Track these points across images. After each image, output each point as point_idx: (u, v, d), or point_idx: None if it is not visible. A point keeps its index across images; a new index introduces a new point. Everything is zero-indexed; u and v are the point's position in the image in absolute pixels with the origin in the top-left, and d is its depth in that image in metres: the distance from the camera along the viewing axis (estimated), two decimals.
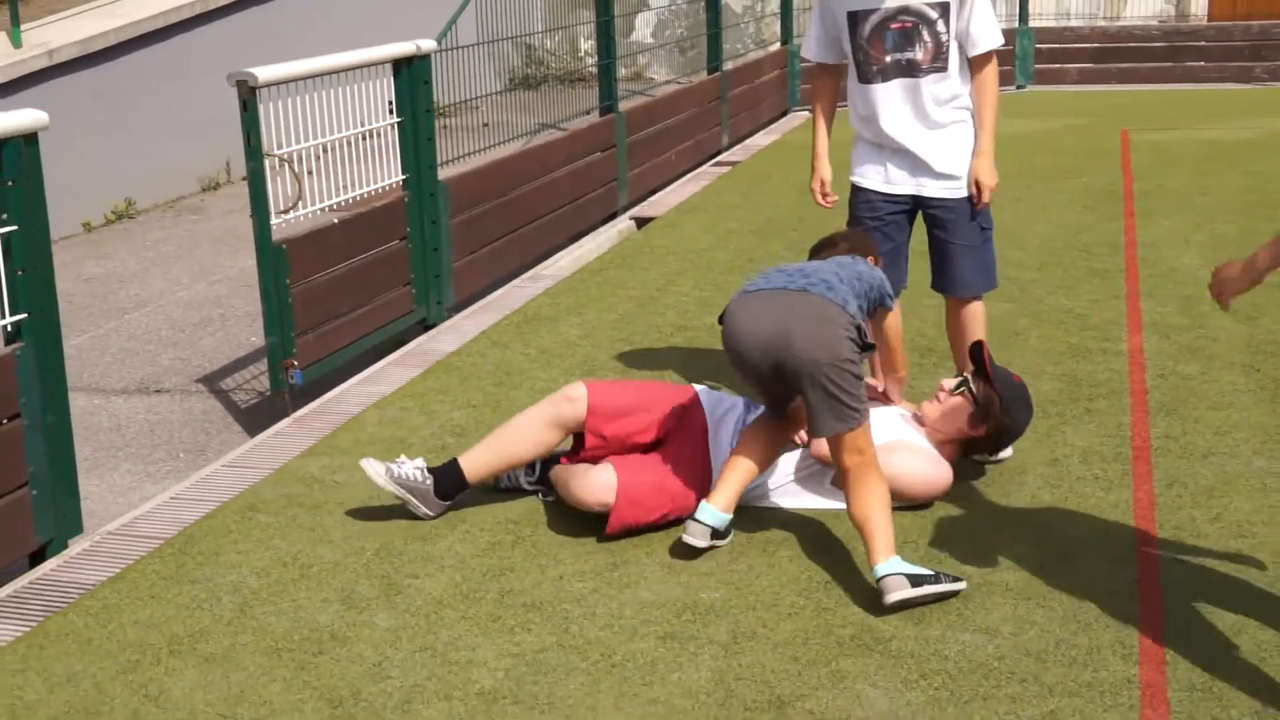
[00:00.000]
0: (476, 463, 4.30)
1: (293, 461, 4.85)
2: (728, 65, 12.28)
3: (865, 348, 3.86)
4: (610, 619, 3.64)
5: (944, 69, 4.65)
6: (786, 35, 14.23)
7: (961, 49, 4.67)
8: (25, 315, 4.12)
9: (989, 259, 4.85)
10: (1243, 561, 3.85)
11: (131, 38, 10.85)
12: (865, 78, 4.73)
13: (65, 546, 4.26)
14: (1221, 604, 3.61)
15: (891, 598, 3.59)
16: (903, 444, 4.24)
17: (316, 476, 4.70)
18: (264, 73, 5.35)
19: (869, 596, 3.70)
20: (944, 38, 4.62)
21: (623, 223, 8.84)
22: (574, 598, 3.77)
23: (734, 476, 4.04)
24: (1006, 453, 4.59)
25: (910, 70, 4.66)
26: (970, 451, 4.45)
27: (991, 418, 4.32)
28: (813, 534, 4.12)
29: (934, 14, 4.60)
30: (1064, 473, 4.51)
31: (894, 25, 4.62)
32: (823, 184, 4.96)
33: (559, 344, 6.12)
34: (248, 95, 5.33)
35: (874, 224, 4.79)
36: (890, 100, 4.70)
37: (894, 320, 4.32)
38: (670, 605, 3.71)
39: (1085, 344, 5.82)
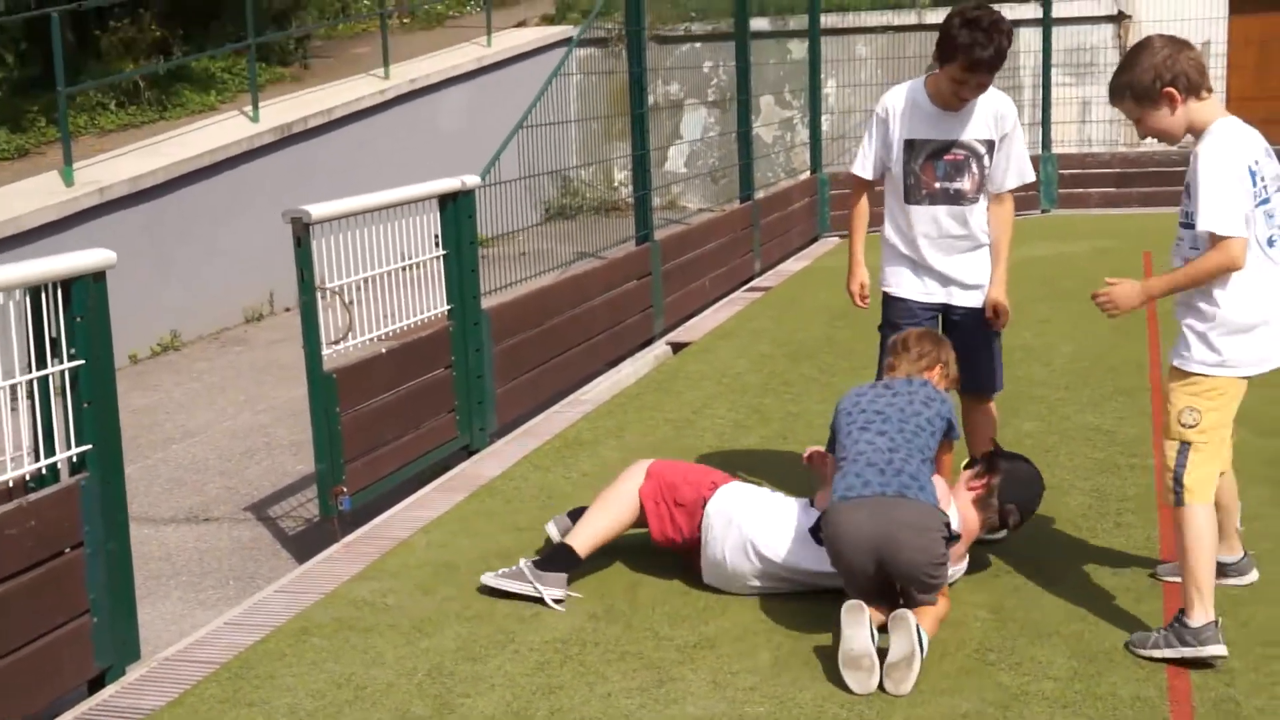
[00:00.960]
0: (580, 537, 4.83)
1: (343, 586, 4.98)
2: (759, 194, 12.56)
3: (952, 539, 4.27)
4: None
5: (978, 199, 5.09)
6: (816, 164, 14.54)
7: (989, 180, 5.09)
8: (90, 446, 4.30)
9: (1000, 362, 5.29)
10: (1269, 668, 3.94)
11: (179, 175, 11.23)
12: (912, 199, 5.11)
13: (124, 673, 4.39)
14: (1249, 707, 3.71)
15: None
16: None
17: (367, 600, 4.83)
18: (318, 210, 5.59)
19: (910, 708, 3.80)
20: (987, 171, 5.06)
21: (659, 348, 9.02)
22: (623, 713, 3.87)
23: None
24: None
25: (957, 199, 5.07)
26: (984, 523, 4.65)
27: (995, 470, 4.60)
28: None
29: (983, 149, 5.04)
30: (1095, 585, 4.61)
31: (947, 156, 5.03)
32: (862, 287, 5.39)
33: (600, 467, 6.27)
34: (301, 232, 5.55)
35: (911, 326, 5.13)
36: (933, 222, 5.11)
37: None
38: None
39: (1113, 459, 5.94)
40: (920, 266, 5.18)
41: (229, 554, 6.26)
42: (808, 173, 14.70)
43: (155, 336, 10.79)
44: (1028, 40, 16.49)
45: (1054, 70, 15.58)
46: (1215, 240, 3.99)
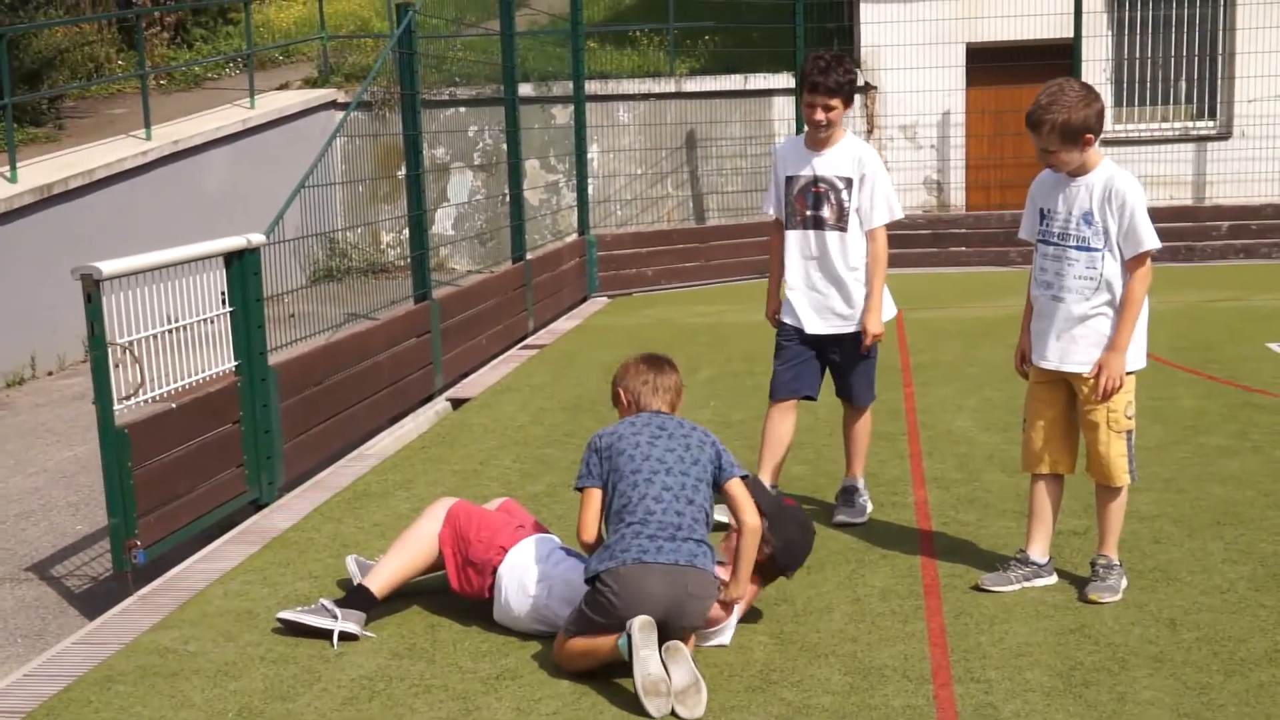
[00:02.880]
0: (377, 578, 5.05)
1: (144, 636, 5.03)
2: (530, 255, 12.88)
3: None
4: None
5: (844, 229, 5.90)
6: (583, 227, 14.95)
7: (860, 219, 5.89)
8: None
9: (871, 377, 6.16)
10: (1022, 677, 4.37)
11: None
12: (790, 225, 6.00)
13: None
14: (1006, 711, 4.12)
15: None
16: None
17: (170, 648, 4.89)
18: (108, 266, 5.64)
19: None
20: (846, 204, 5.88)
21: (439, 404, 9.20)
22: None
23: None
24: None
25: (820, 224, 5.93)
26: (769, 576, 4.92)
27: (765, 541, 4.79)
28: None
29: (840, 184, 5.89)
30: (866, 609, 5.01)
31: (813, 189, 5.93)
32: (775, 313, 6.19)
33: (391, 517, 6.43)
34: (92, 287, 5.60)
35: (788, 344, 6.08)
36: (804, 244, 5.97)
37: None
38: None
39: (878, 499, 6.38)
40: (800, 298, 6.00)
41: (13, 613, 6.18)
42: (575, 235, 15.10)
43: None
44: (781, 109, 17.35)
45: None
46: (1142, 259, 4.89)
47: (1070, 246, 4.97)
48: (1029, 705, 4.16)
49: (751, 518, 4.63)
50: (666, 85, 17.67)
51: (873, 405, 6.23)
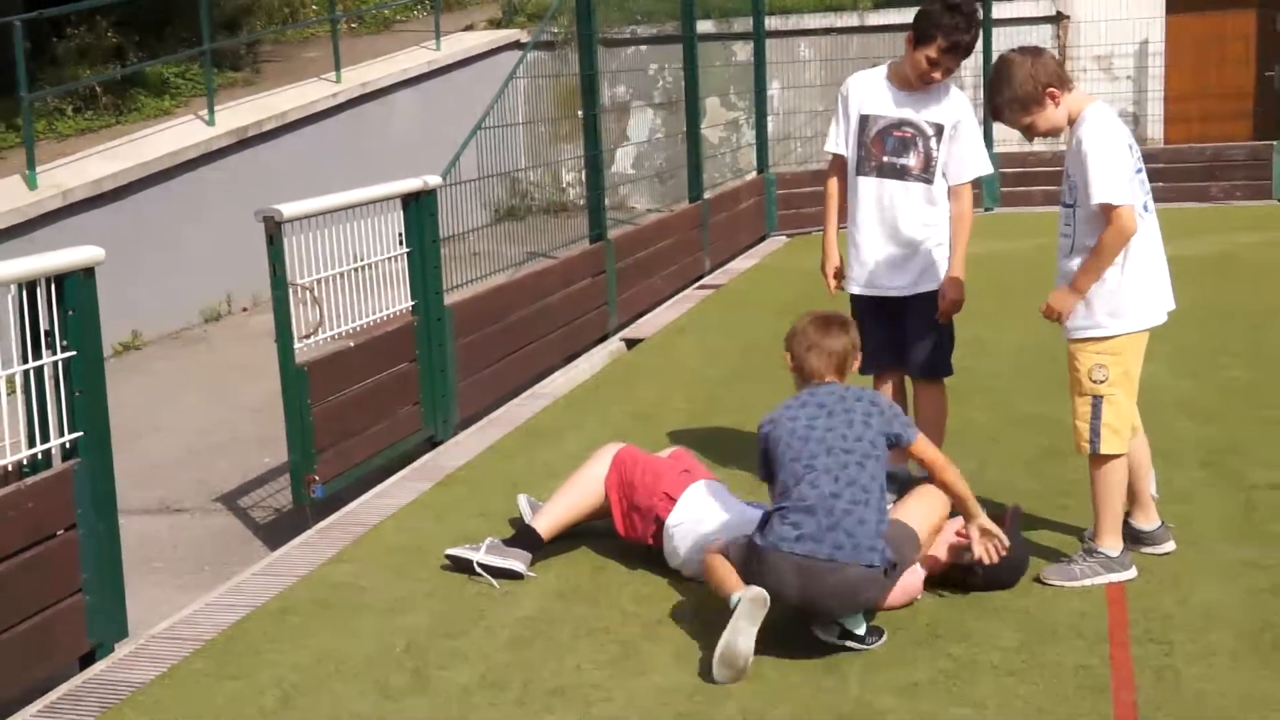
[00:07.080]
0: (544, 520, 5.07)
1: (319, 569, 5.17)
2: (708, 194, 12.80)
3: (890, 571, 4.23)
4: (628, 701, 3.96)
5: (929, 181, 5.33)
6: (762, 165, 14.80)
7: (945, 173, 5.33)
8: (81, 434, 4.47)
9: (944, 346, 5.50)
10: (1205, 639, 4.20)
11: (139, 178, 11.35)
12: (861, 171, 5.41)
13: (113, 650, 4.56)
14: (1189, 675, 3.96)
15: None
16: None
17: (343, 581, 5.02)
18: (289, 209, 5.76)
19: (865, 675, 4.04)
20: (934, 154, 5.31)
21: (613, 344, 9.24)
22: (592, 684, 4.08)
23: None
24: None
25: (901, 173, 5.35)
26: (959, 586, 4.67)
27: (971, 570, 4.59)
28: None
29: (930, 131, 5.31)
30: (1040, 563, 4.85)
31: (897, 132, 5.33)
32: (836, 270, 5.65)
33: (562, 457, 6.46)
34: (274, 229, 5.72)
35: (864, 314, 5.46)
36: (876, 196, 5.39)
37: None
38: (682, 689, 4.02)
39: (1057, 446, 6.18)
40: (866, 256, 5.44)
41: (202, 542, 6.41)
42: (754, 173, 14.97)
43: (117, 336, 10.87)
44: None
45: None
46: (1108, 212, 4.40)
47: (1061, 203, 4.67)
48: (1213, 669, 3.99)
49: (945, 474, 4.46)
50: (849, 19, 17.35)
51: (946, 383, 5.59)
